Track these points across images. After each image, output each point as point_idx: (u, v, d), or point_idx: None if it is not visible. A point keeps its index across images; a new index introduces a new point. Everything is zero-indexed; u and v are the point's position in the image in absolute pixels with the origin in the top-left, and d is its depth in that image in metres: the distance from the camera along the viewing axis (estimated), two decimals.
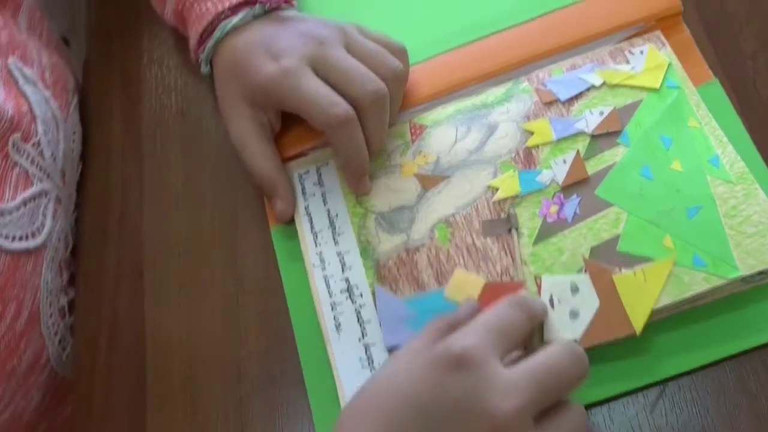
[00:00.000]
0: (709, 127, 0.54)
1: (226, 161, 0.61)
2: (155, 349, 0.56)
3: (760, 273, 0.50)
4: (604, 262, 0.50)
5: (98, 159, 0.64)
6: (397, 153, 0.57)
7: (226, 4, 0.58)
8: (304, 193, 0.57)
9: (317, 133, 0.58)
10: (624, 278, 0.49)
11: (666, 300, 0.48)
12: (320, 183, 0.57)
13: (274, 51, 0.55)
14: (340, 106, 0.53)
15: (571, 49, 0.58)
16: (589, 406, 0.49)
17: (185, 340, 0.56)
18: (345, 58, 0.55)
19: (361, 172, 0.55)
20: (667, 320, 0.50)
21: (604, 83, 0.56)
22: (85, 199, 0.64)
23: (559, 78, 0.57)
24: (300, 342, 0.53)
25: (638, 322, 0.48)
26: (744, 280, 0.50)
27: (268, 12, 0.58)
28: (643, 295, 0.49)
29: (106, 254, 0.61)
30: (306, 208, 0.56)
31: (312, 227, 0.56)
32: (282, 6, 0.58)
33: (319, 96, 0.53)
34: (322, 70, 0.54)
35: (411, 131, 0.57)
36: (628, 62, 0.57)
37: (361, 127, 0.54)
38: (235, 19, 0.57)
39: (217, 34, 0.58)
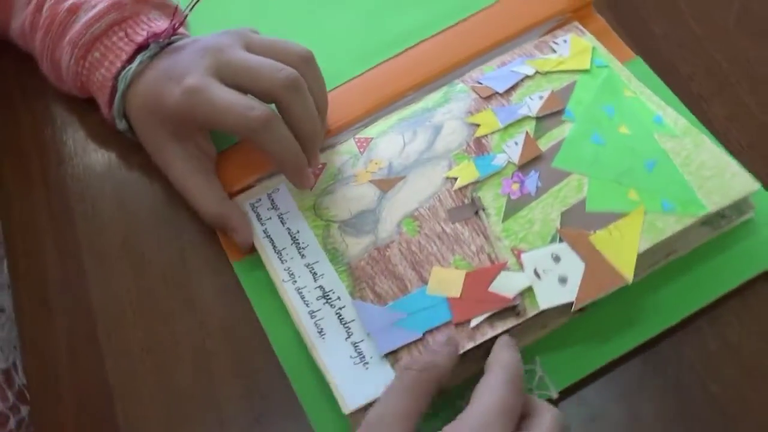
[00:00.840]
0: (644, 95, 0.55)
1: (163, 210, 0.59)
2: (126, 414, 0.52)
3: (724, 217, 0.51)
4: (576, 225, 0.50)
5: (25, 229, 0.60)
6: (347, 166, 0.56)
7: (118, 65, 0.56)
8: (259, 219, 0.55)
9: (261, 164, 0.57)
10: (600, 236, 0.49)
11: (645, 245, 0.48)
12: (275, 207, 0.55)
13: (176, 75, 0.54)
14: (256, 108, 0.51)
15: (496, 48, 0.60)
16: (581, 383, 0.49)
17: (157, 397, 0.52)
18: (247, 57, 0.54)
19: (298, 165, 0.53)
20: (643, 282, 0.50)
21: (536, 72, 0.57)
22: (17, 274, 0.59)
23: (492, 74, 0.58)
24: (285, 363, 0.51)
25: (627, 271, 0.48)
26: (713, 226, 0.51)
27: (163, 48, 0.56)
28: (623, 246, 0.48)
29: (52, 327, 0.56)
30: (264, 231, 0.54)
31: (274, 247, 0.53)
32: (173, 39, 0.57)
33: (233, 104, 0.52)
34: (228, 76, 0.53)
35: (357, 144, 0.57)
36: (554, 51, 0.58)
37: (284, 123, 0.52)
38: (134, 66, 0.56)
39: (121, 86, 0.56)
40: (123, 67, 0.56)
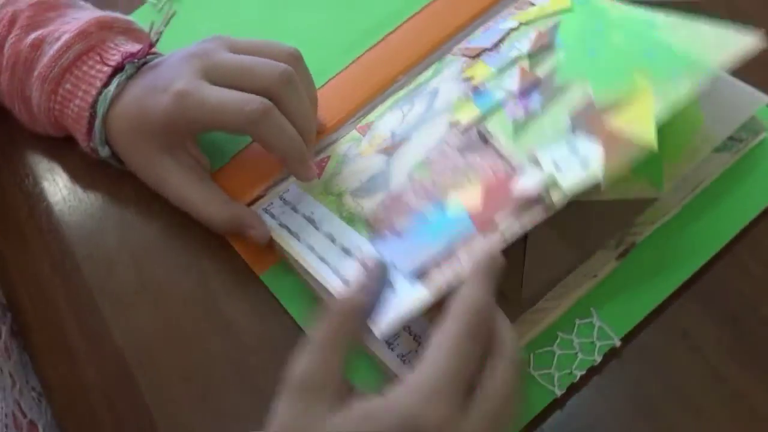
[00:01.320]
0: (630, 11, 0.54)
1: (171, 235, 0.57)
2: None
3: (741, 141, 0.52)
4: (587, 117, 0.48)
5: (28, 286, 0.57)
6: (351, 149, 0.55)
7: (93, 92, 0.55)
8: (273, 217, 0.54)
9: (269, 173, 0.56)
10: (614, 117, 0.46)
11: (663, 113, 0.45)
12: (286, 203, 0.54)
13: (162, 85, 0.52)
14: (253, 100, 0.50)
15: (477, 19, 0.61)
16: (639, 327, 0.49)
17: (208, 426, 0.50)
18: (236, 58, 0.53)
19: (301, 156, 0.51)
20: (676, 219, 0.51)
21: (520, 24, 0.57)
22: (28, 324, 0.56)
23: (478, 37, 0.58)
24: None
25: (648, 137, 0.44)
26: (731, 151, 0.52)
27: (139, 68, 0.55)
28: (639, 118, 0.46)
29: (79, 373, 0.53)
30: (279, 224, 0.53)
31: (290, 231, 0.52)
32: (148, 58, 0.56)
33: (229, 100, 0.50)
34: (219, 78, 0.51)
35: (359, 131, 0.56)
36: (533, 5, 0.58)
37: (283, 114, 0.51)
38: (111, 88, 0.54)
39: (100, 110, 0.54)
40: (98, 95, 0.55)
